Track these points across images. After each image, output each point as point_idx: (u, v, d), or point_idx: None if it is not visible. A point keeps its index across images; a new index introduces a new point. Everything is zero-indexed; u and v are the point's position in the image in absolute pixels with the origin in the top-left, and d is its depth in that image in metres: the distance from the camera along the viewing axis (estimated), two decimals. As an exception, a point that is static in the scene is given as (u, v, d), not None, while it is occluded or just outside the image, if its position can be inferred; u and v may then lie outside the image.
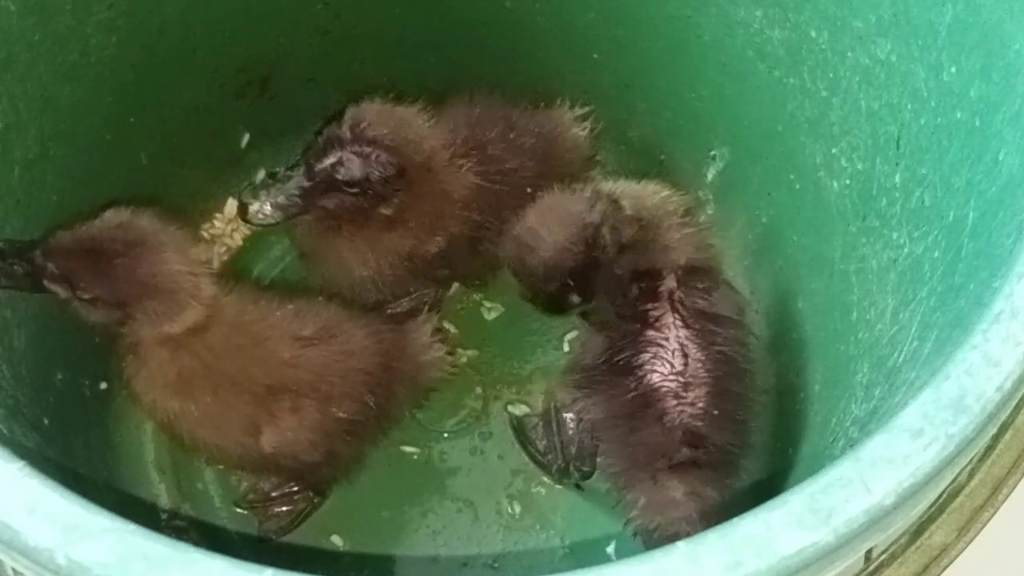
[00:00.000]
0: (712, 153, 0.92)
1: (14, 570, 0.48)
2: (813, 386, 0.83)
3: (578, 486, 0.89)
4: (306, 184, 0.82)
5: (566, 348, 0.94)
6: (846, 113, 0.76)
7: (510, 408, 0.92)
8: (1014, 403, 0.49)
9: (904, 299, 0.68)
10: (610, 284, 0.81)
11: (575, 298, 0.83)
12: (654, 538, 0.78)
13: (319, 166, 0.82)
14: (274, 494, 0.88)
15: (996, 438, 0.59)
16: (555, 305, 0.84)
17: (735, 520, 0.45)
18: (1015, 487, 0.59)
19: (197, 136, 0.92)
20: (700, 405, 0.78)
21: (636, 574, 0.44)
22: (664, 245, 0.82)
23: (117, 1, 0.79)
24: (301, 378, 0.81)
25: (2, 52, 0.72)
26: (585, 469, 0.87)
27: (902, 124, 0.70)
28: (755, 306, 0.90)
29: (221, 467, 0.89)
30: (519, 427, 0.91)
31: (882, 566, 0.57)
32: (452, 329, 0.95)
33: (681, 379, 0.78)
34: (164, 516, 0.88)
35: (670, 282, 0.81)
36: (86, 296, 0.77)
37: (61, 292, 0.77)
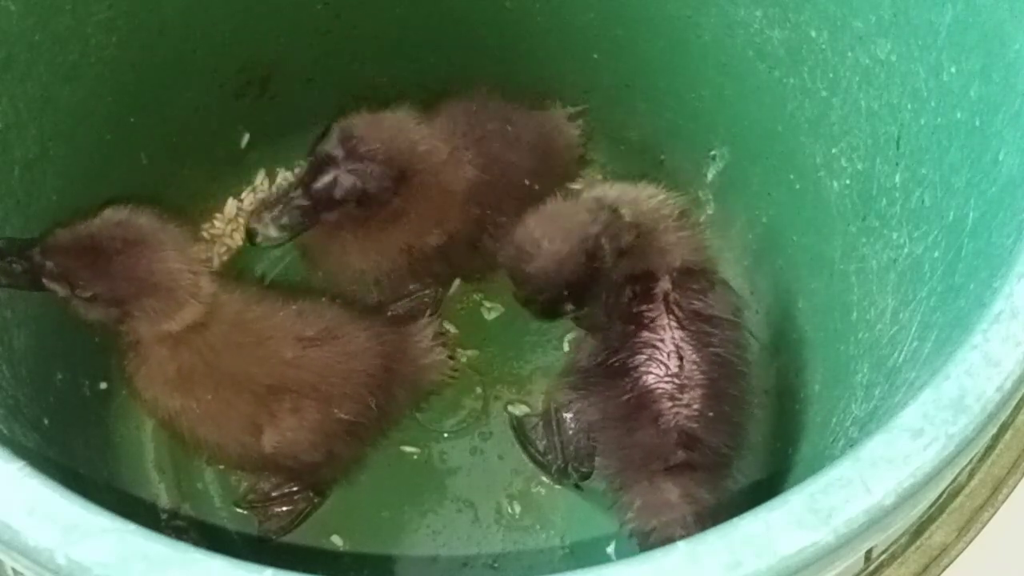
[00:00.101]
0: (712, 153, 0.92)
1: (14, 570, 0.48)
2: (813, 386, 0.83)
3: (577, 486, 0.89)
4: (306, 204, 0.83)
5: (566, 348, 0.94)
6: (846, 113, 0.76)
7: (510, 408, 0.92)
8: (1014, 403, 0.49)
9: (904, 299, 0.68)
10: (605, 286, 0.81)
11: (569, 306, 0.83)
12: (650, 540, 0.78)
13: (316, 186, 0.83)
14: (274, 494, 0.88)
15: (996, 438, 0.59)
16: (549, 312, 0.84)
17: (735, 520, 0.45)
18: (1015, 487, 0.59)
19: (197, 136, 0.92)
20: (696, 407, 0.78)
21: (636, 574, 0.44)
22: (660, 248, 0.82)
23: (117, 1, 0.79)
24: (303, 378, 0.81)
25: (2, 52, 0.73)
26: (584, 470, 0.87)
27: (902, 124, 0.70)
28: (755, 306, 0.90)
29: (221, 467, 0.89)
30: (519, 427, 0.91)
31: (882, 566, 0.57)
32: (452, 329, 0.95)
33: (677, 381, 0.78)
34: (164, 516, 0.88)
35: (665, 284, 0.81)
36: (85, 294, 0.77)
37: (60, 290, 0.77)
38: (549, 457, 0.89)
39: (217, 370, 0.80)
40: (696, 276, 0.82)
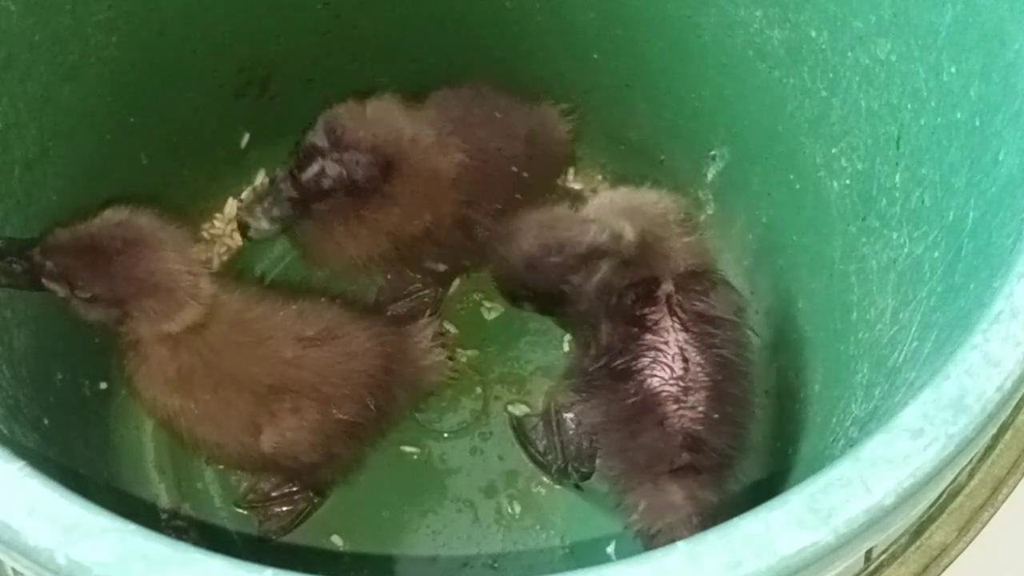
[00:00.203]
0: (712, 153, 0.92)
1: (14, 570, 0.48)
2: (813, 386, 0.83)
3: (578, 486, 0.89)
4: (295, 195, 0.84)
5: (566, 348, 0.94)
6: (846, 113, 0.76)
7: (510, 408, 0.92)
8: (1014, 403, 0.49)
9: (904, 299, 0.68)
10: (604, 289, 0.82)
11: (528, 306, 0.87)
12: (654, 542, 0.78)
13: (303, 177, 0.84)
14: (274, 494, 0.88)
15: (996, 438, 0.59)
16: (508, 296, 0.88)
17: (735, 520, 0.44)
18: (1015, 487, 0.59)
19: (197, 136, 0.92)
20: (700, 409, 0.78)
21: (636, 574, 0.44)
22: (664, 254, 0.83)
23: (117, 1, 0.79)
24: (302, 378, 0.81)
25: (2, 52, 0.73)
26: (584, 470, 0.87)
27: (902, 124, 0.70)
28: (755, 306, 0.90)
29: (221, 467, 0.89)
30: (519, 427, 0.91)
31: (882, 566, 0.57)
32: (452, 329, 0.95)
33: (681, 383, 0.78)
34: (164, 516, 0.88)
35: (668, 286, 0.81)
36: (84, 294, 0.77)
37: (60, 290, 0.77)
38: (549, 457, 0.89)
39: (217, 370, 0.80)
40: (698, 277, 0.82)
